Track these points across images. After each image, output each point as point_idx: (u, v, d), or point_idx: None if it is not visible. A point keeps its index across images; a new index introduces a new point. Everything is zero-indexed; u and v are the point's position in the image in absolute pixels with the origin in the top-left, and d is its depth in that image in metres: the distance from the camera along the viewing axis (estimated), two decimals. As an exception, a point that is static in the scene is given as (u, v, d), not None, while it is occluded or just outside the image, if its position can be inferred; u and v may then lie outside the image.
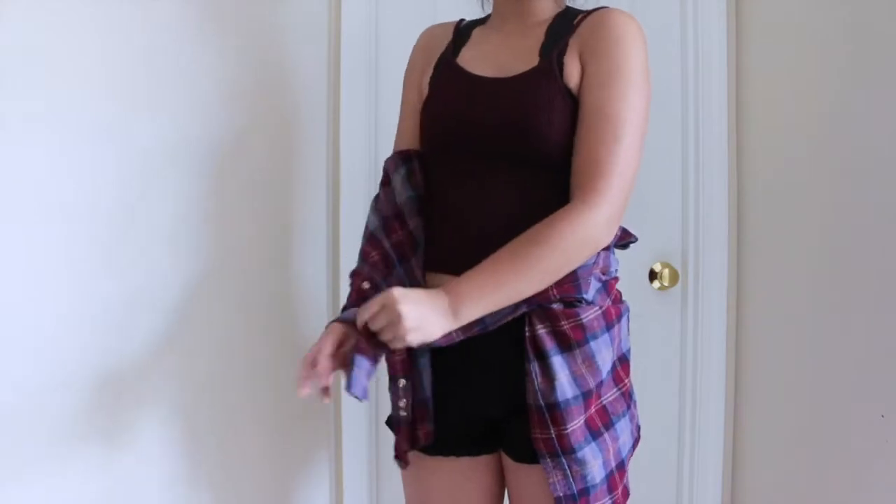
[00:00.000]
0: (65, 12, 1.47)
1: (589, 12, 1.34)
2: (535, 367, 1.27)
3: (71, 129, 1.48)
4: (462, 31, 1.47)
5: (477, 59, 1.40)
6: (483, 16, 1.52)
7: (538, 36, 1.36)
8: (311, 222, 1.92)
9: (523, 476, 1.36)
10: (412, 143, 1.48)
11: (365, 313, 1.21)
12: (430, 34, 1.52)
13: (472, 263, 1.23)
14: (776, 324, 1.84)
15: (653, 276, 2.03)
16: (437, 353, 1.34)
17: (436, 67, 1.43)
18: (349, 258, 1.93)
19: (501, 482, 1.46)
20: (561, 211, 1.22)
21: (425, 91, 1.44)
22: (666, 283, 2.02)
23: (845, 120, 1.72)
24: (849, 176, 1.71)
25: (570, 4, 1.44)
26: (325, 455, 1.98)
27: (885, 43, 1.61)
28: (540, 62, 1.31)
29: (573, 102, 1.28)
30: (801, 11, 1.86)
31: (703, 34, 2.01)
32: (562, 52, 1.30)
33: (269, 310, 1.82)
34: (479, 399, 1.36)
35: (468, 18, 1.52)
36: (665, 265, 2.02)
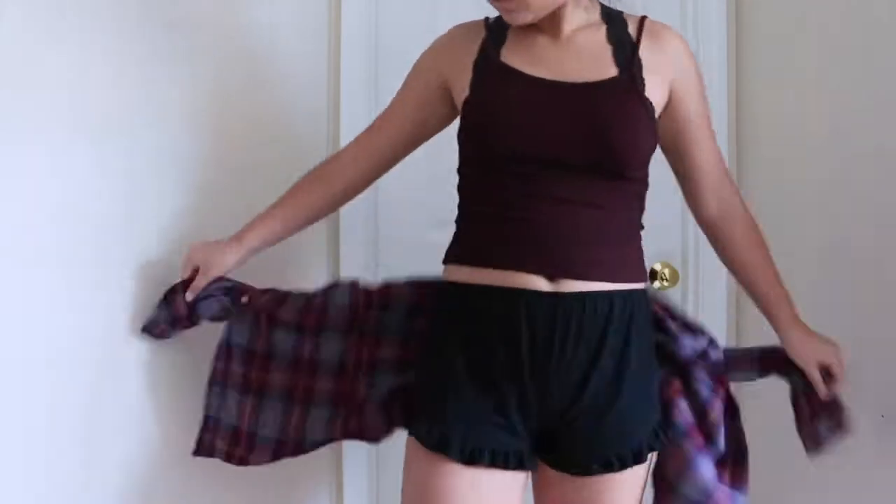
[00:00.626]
0: (63, 12, 1.47)
1: (640, 21, 1.38)
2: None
3: (69, 130, 1.48)
4: (494, 30, 1.40)
5: (531, 64, 1.34)
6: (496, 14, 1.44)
7: (600, 42, 1.34)
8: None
9: (582, 490, 1.32)
10: (396, 136, 1.47)
11: None
12: (458, 32, 1.44)
13: (563, 267, 1.29)
14: (776, 324, 1.83)
15: (653, 275, 2.03)
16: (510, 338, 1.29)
17: (476, 70, 1.36)
18: (349, 258, 1.93)
19: None
20: (745, 214, 1.47)
21: (461, 95, 1.36)
22: (666, 283, 2.02)
23: (845, 120, 1.72)
24: (849, 176, 1.71)
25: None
26: (325, 456, 1.97)
27: (886, 43, 1.60)
28: (620, 74, 1.31)
29: (653, 117, 1.32)
30: (802, 12, 1.86)
31: (703, 34, 2.00)
32: (640, 66, 1.32)
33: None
34: (543, 393, 1.30)
35: (467, 18, 1.46)
36: (665, 265, 2.02)
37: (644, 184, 1.38)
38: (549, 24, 1.35)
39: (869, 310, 1.65)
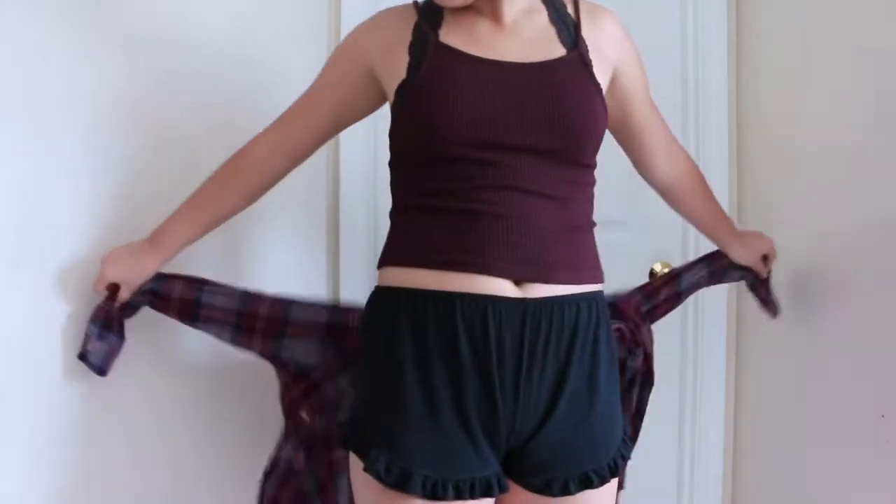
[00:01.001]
0: (59, 13, 1.47)
1: (575, 1, 1.33)
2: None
3: (63, 130, 1.48)
4: (428, 12, 1.29)
5: (473, 45, 1.24)
6: None
7: (542, 25, 1.29)
8: (311, 223, 1.92)
9: None
10: (313, 127, 1.38)
11: None
12: (386, 17, 1.34)
13: (529, 265, 1.20)
14: (776, 324, 1.84)
15: (653, 276, 2.03)
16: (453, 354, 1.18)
17: (413, 53, 1.24)
18: (349, 259, 1.93)
19: None
20: (691, 162, 1.57)
21: (395, 80, 1.25)
22: (666, 283, 2.02)
23: (846, 120, 1.72)
24: (849, 175, 1.71)
25: None
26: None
27: (886, 40, 1.60)
28: (569, 53, 1.26)
29: (602, 97, 1.28)
30: (802, 10, 1.86)
31: (703, 34, 2.01)
32: (585, 47, 1.28)
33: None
34: (522, 413, 1.19)
35: None
36: (665, 265, 2.02)
37: (593, 173, 1.31)
38: (489, 7, 1.27)
39: (869, 309, 1.65)
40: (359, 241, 1.93)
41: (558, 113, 1.20)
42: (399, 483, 1.15)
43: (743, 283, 1.74)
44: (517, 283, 1.20)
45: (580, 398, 1.22)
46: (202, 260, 1.66)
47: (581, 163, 1.26)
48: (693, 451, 2.04)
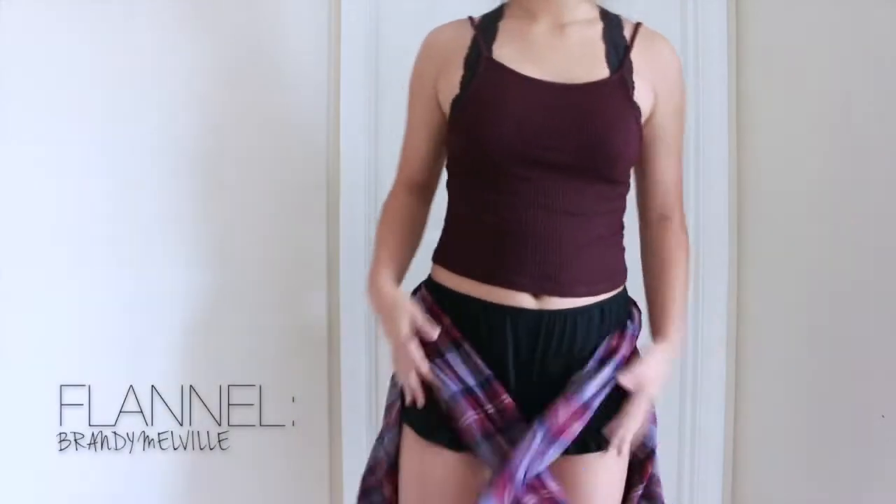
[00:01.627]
0: (64, 11, 1.47)
1: (636, 26, 1.36)
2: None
3: (65, 131, 1.48)
4: (484, 26, 1.36)
5: (521, 59, 1.30)
6: (493, 8, 1.41)
7: (594, 41, 1.32)
8: (311, 223, 1.92)
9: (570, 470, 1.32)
10: (423, 166, 1.42)
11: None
12: (437, 36, 1.40)
13: (548, 281, 1.28)
14: (776, 324, 1.84)
15: (653, 276, 2.03)
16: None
17: (468, 66, 1.31)
18: (348, 260, 1.92)
19: None
20: (679, 236, 1.41)
21: (450, 93, 1.32)
22: (666, 284, 2.02)
23: (846, 120, 1.72)
24: (849, 175, 1.71)
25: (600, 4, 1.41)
26: (324, 455, 1.97)
27: (887, 40, 1.61)
28: (612, 75, 1.30)
29: (639, 121, 1.31)
30: (802, 10, 1.86)
31: (703, 33, 2.00)
32: (630, 69, 1.31)
33: (266, 313, 1.82)
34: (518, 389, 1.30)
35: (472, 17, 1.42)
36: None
37: (627, 186, 1.38)
38: (547, 14, 1.33)
39: (869, 309, 1.65)
40: (358, 240, 1.92)
41: (590, 135, 1.26)
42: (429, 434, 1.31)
43: (742, 283, 1.73)
44: (536, 297, 1.29)
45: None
46: (198, 262, 1.66)
47: (611, 180, 1.32)
48: (693, 451, 2.04)
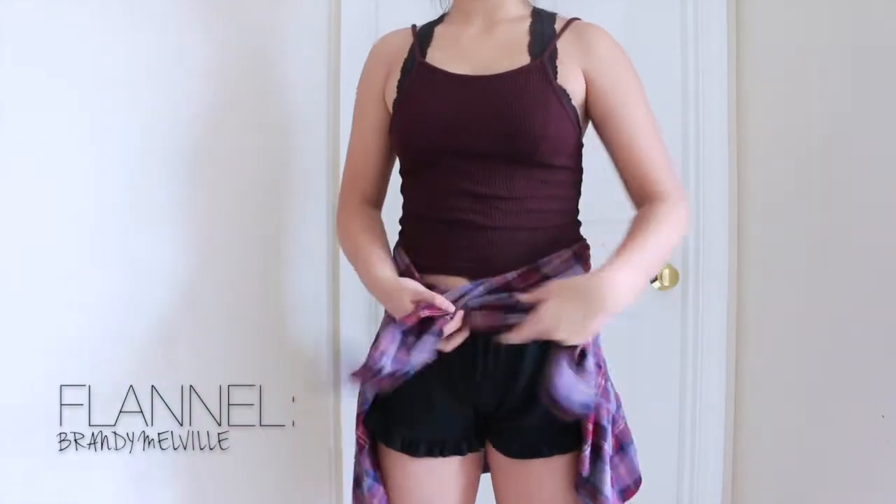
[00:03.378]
0: (62, 13, 1.48)
1: (570, 21, 1.38)
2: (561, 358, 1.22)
3: (65, 131, 1.48)
4: (422, 33, 1.44)
5: (451, 58, 1.37)
6: (437, 16, 1.48)
7: (520, 34, 1.36)
8: (311, 223, 1.92)
9: (521, 473, 1.35)
10: (367, 165, 1.46)
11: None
12: (384, 42, 1.48)
13: (483, 263, 1.31)
14: (776, 324, 1.84)
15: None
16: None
17: (403, 71, 1.39)
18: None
19: (477, 483, 1.46)
20: (670, 206, 1.31)
21: (391, 98, 1.39)
22: (666, 283, 2.02)
23: (846, 121, 1.72)
24: (849, 175, 1.71)
25: (535, 5, 1.44)
26: (325, 455, 1.98)
27: (886, 46, 1.61)
28: (532, 61, 1.33)
29: (569, 104, 1.32)
30: (802, 10, 1.86)
31: (703, 33, 2.01)
32: (553, 55, 1.33)
33: (266, 313, 1.82)
34: (476, 392, 1.35)
35: None
36: (665, 265, 2.02)
37: (571, 171, 1.37)
38: (481, 9, 1.38)
39: (869, 309, 1.65)
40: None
41: (507, 119, 1.30)
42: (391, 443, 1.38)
43: (742, 283, 1.73)
44: (473, 280, 1.31)
45: (530, 386, 1.31)
46: (197, 264, 1.66)
47: (540, 163, 1.32)
48: (693, 451, 2.04)
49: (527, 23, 1.38)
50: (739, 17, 2.02)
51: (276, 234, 1.84)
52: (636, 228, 1.31)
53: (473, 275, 1.31)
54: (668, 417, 2.04)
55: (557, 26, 1.38)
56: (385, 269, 1.36)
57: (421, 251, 1.37)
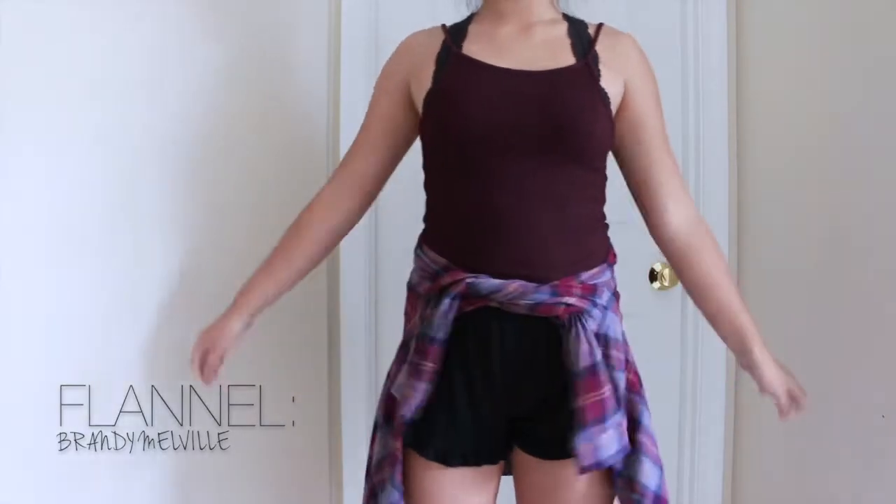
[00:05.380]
0: (64, 9, 1.48)
1: (599, 25, 1.40)
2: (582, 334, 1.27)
3: (65, 131, 1.48)
4: (455, 29, 1.42)
5: (491, 53, 1.35)
6: (466, 16, 1.46)
7: (560, 35, 1.37)
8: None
9: (551, 472, 1.34)
10: (372, 155, 1.43)
11: None
12: (410, 38, 1.46)
13: (525, 264, 1.28)
14: (776, 324, 1.83)
15: (653, 276, 2.03)
16: (459, 351, 1.31)
17: (438, 62, 1.36)
18: (348, 259, 1.93)
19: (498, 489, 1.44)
20: (698, 215, 1.40)
21: (423, 90, 1.36)
22: (666, 283, 2.02)
23: (846, 119, 1.72)
24: (849, 175, 1.71)
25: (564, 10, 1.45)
26: (325, 456, 1.98)
27: (887, 41, 1.61)
28: (578, 62, 1.33)
29: (609, 107, 1.33)
30: (802, 10, 1.86)
31: (703, 33, 2.01)
32: (595, 58, 1.34)
33: (266, 313, 1.81)
34: (507, 398, 1.32)
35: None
36: (665, 265, 2.02)
37: (602, 176, 1.38)
38: (515, 14, 1.38)
39: (869, 309, 1.65)
40: (358, 237, 1.93)
41: (557, 116, 1.28)
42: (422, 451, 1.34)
43: (742, 283, 1.73)
44: (509, 278, 1.28)
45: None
46: (198, 260, 1.66)
47: (583, 163, 1.32)
48: (693, 452, 2.04)
49: (563, 25, 1.39)
50: (739, 17, 2.02)
51: (276, 234, 1.83)
52: (733, 295, 1.38)
53: (515, 275, 1.28)
54: (668, 417, 2.04)
55: (591, 31, 1.39)
56: (238, 309, 1.42)
57: (459, 250, 1.32)
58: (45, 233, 1.48)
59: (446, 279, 1.30)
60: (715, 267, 1.38)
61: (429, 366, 1.30)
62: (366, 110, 1.48)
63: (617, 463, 1.30)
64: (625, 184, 1.42)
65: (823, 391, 1.78)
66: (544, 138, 1.28)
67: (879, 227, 1.63)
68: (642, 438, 1.34)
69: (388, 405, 1.36)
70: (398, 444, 1.33)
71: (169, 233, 1.63)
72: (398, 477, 1.33)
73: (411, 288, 1.41)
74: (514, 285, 1.27)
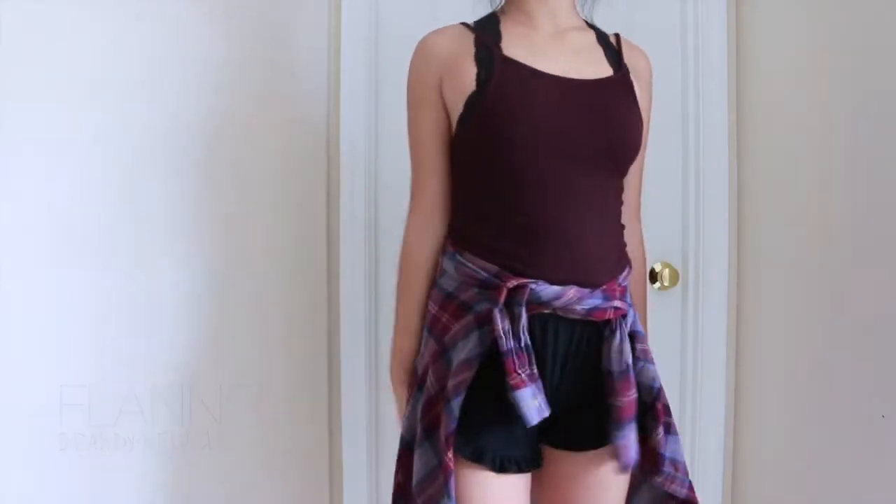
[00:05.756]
0: (64, 9, 1.48)
1: (616, 36, 1.42)
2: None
3: (65, 131, 1.48)
4: (484, 29, 1.37)
5: (533, 57, 1.32)
6: (490, 11, 1.42)
7: (591, 43, 1.38)
8: (311, 223, 1.92)
9: (582, 463, 1.34)
10: (445, 183, 1.38)
11: None
12: (432, 43, 1.38)
13: (573, 271, 1.29)
14: (776, 324, 1.84)
15: (653, 276, 2.03)
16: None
17: (481, 64, 1.31)
18: (348, 259, 1.92)
19: None
20: (641, 242, 1.49)
21: (463, 92, 1.30)
22: (666, 283, 2.02)
23: (845, 120, 1.72)
24: (849, 175, 1.71)
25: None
26: (325, 455, 1.98)
27: (887, 41, 1.61)
28: (615, 73, 1.35)
29: (642, 121, 1.36)
30: (802, 10, 1.86)
31: (703, 34, 2.01)
32: (627, 71, 1.37)
33: (266, 313, 1.82)
34: (555, 401, 1.30)
35: (468, 19, 1.42)
36: (665, 265, 2.02)
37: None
38: (547, 11, 1.36)
39: (869, 309, 1.65)
40: (357, 235, 1.92)
41: (615, 129, 1.31)
42: (473, 456, 1.30)
43: (742, 283, 1.73)
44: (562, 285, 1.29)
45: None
46: (198, 260, 1.66)
47: (623, 174, 1.37)
48: (693, 451, 2.04)
49: (592, 33, 1.40)
50: (739, 17, 2.02)
51: (275, 234, 1.83)
52: (643, 307, 1.49)
53: (571, 281, 1.28)
54: (668, 417, 2.04)
55: (612, 40, 1.41)
56: (404, 363, 1.41)
57: (511, 256, 1.29)
58: (45, 233, 1.47)
59: (510, 284, 1.26)
60: (635, 293, 1.44)
61: (526, 372, 1.26)
62: (398, 113, 1.42)
63: (665, 451, 1.33)
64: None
65: (823, 391, 1.78)
66: (597, 147, 1.30)
67: (879, 226, 1.63)
68: (671, 420, 1.36)
69: (431, 419, 1.31)
70: (450, 455, 1.27)
71: (169, 232, 1.63)
72: (453, 490, 1.27)
73: (449, 295, 1.35)
74: (572, 291, 1.27)
